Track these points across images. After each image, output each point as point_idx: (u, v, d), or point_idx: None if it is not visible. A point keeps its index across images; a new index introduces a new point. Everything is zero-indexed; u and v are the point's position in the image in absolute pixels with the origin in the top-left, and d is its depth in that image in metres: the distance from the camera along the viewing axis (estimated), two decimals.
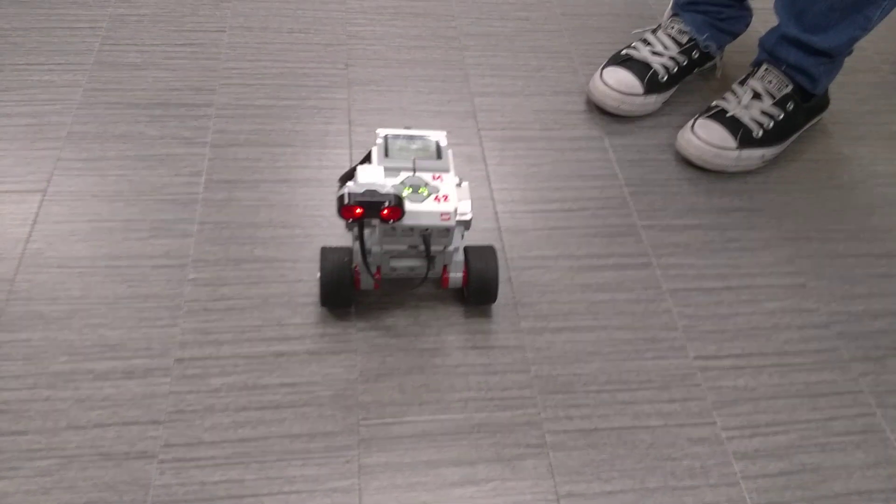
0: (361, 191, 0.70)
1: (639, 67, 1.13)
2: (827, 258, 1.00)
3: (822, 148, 1.16)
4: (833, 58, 1.06)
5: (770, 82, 1.08)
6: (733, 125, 1.06)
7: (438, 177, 0.77)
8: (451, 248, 0.81)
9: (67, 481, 0.71)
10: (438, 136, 0.81)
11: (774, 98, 1.07)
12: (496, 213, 0.99)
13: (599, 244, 0.97)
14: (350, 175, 0.81)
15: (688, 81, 1.22)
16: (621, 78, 1.13)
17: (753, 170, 1.10)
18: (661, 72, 1.13)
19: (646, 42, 1.16)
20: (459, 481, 0.74)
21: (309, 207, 0.97)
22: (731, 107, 1.07)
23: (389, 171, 0.77)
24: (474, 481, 0.74)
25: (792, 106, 1.08)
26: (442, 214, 0.75)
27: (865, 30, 1.02)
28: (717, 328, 0.90)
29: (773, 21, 1.09)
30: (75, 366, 0.79)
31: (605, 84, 1.12)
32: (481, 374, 0.83)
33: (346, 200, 0.70)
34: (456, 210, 0.75)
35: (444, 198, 0.75)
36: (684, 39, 1.15)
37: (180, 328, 0.83)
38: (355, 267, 0.83)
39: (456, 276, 0.85)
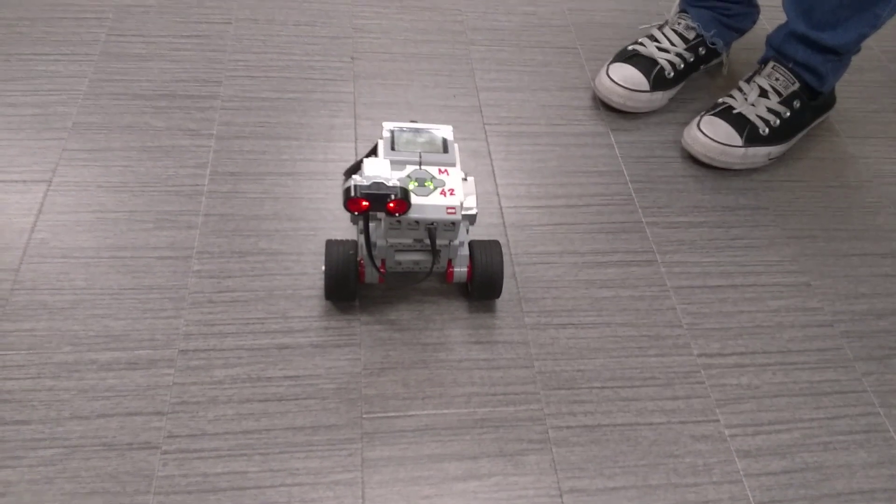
0: (368, 183, 0.70)
1: (645, 64, 1.13)
2: (832, 257, 1.00)
3: (828, 146, 1.16)
4: (841, 55, 1.06)
5: (777, 80, 1.07)
6: (740, 122, 1.06)
7: (444, 171, 0.77)
8: (456, 242, 0.80)
9: (70, 471, 0.71)
10: (445, 130, 0.81)
11: (781, 96, 1.07)
12: (501, 208, 0.99)
13: (604, 240, 0.97)
14: (355, 168, 0.81)
15: (694, 78, 1.21)
16: (628, 74, 1.12)
17: (759, 167, 1.10)
18: (668, 68, 1.13)
19: (652, 38, 1.16)
20: (462, 476, 0.74)
21: (314, 200, 0.96)
22: (738, 104, 1.07)
23: (395, 165, 0.77)
24: (477, 476, 0.74)
25: (798, 104, 1.08)
26: (448, 208, 0.74)
27: (874, 27, 1.01)
28: (720, 326, 0.90)
29: (780, 19, 1.09)
30: (79, 356, 0.79)
31: (612, 80, 1.12)
32: (485, 370, 0.83)
33: (352, 193, 0.70)
34: (462, 204, 0.75)
35: (450, 192, 0.75)
36: (691, 35, 1.15)
37: (184, 319, 0.83)
38: (360, 260, 0.83)
39: (460, 270, 0.85)
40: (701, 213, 1.02)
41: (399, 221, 0.76)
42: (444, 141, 0.80)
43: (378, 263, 0.82)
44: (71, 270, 0.86)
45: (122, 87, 1.07)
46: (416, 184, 0.75)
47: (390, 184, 0.71)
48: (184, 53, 1.14)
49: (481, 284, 0.84)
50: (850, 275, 0.98)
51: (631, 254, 0.96)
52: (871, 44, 1.36)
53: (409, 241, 0.79)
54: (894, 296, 0.96)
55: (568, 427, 0.79)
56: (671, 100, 1.18)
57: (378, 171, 0.74)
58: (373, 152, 0.80)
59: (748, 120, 1.06)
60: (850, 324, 0.93)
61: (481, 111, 1.13)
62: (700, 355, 0.87)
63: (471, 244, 0.85)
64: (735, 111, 1.06)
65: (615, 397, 0.82)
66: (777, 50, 1.09)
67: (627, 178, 1.06)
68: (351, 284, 0.82)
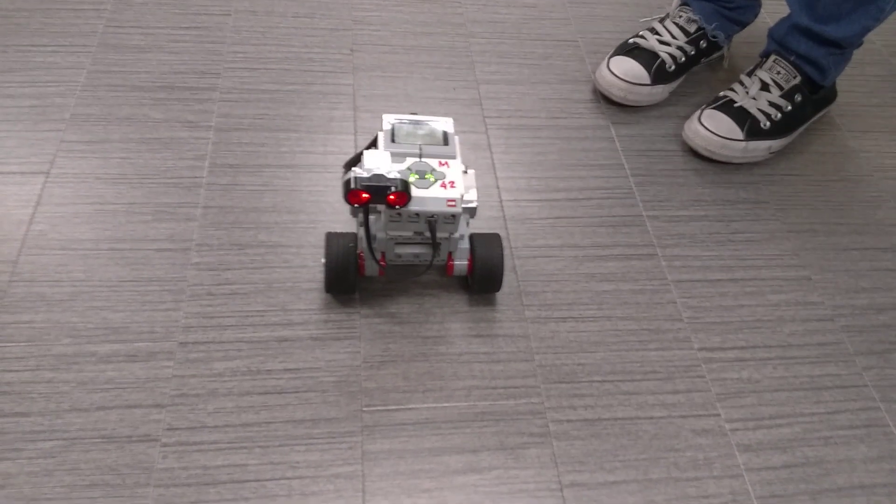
0: (368, 175, 0.70)
1: (646, 57, 1.13)
2: (832, 251, 1.00)
3: (828, 140, 1.16)
4: (844, 48, 1.06)
5: (778, 73, 1.07)
6: (741, 116, 1.05)
7: (445, 163, 0.77)
8: (456, 235, 0.80)
9: (70, 463, 0.71)
10: (445, 123, 0.81)
11: (782, 89, 1.07)
12: (501, 201, 0.99)
13: (604, 234, 0.97)
14: (355, 161, 0.81)
15: (695, 72, 1.21)
16: (628, 67, 1.12)
17: (760, 161, 1.09)
18: (669, 61, 1.13)
19: (653, 31, 1.16)
20: (462, 469, 0.74)
21: (313, 193, 0.96)
22: (739, 97, 1.07)
23: (396, 157, 0.76)
24: (477, 469, 0.74)
25: (800, 97, 1.07)
26: (448, 201, 0.74)
27: (878, 20, 1.01)
28: (721, 320, 0.90)
29: (781, 12, 1.09)
30: (78, 348, 0.79)
31: (612, 73, 1.12)
32: (485, 363, 0.82)
33: (352, 185, 0.70)
34: (462, 196, 0.75)
35: (451, 184, 0.75)
36: (692, 28, 1.15)
37: (183, 312, 0.83)
38: (360, 253, 0.82)
39: (461, 263, 0.85)
40: (701, 207, 1.02)
41: (399, 214, 0.75)
42: (445, 133, 0.79)
43: (378, 256, 0.82)
44: (69, 262, 0.85)
45: (120, 79, 1.07)
46: (417, 176, 0.75)
47: (391, 176, 0.71)
48: (182, 45, 1.14)
49: (482, 278, 0.84)
50: (850, 269, 0.98)
51: (631, 247, 0.96)
52: (873, 38, 1.36)
53: (409, 233, 0.79)
54: (895, 290, 0.96)
55: (568, 421, 0.79)
56: (672, 93, 1.17)
57: (378, 163, 0.73)
58: (373, 144, 0.80)
59: (749, 113, 1.06)
60: (850, 318, 0.93)
61: (481, 104, 1.12)
62: (700, 349, 0.87)
63: (471, 237, 0.85)
64: (736, 105, 1.06)
65: (616, 391, 0.82)
66: (779, 43, 1.09)
67: (628, 171, 1.05)
68: (351, 277, 0.82)
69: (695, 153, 1.08)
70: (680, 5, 1.17)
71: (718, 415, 0.81)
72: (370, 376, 0.80)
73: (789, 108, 1.07)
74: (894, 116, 1.22)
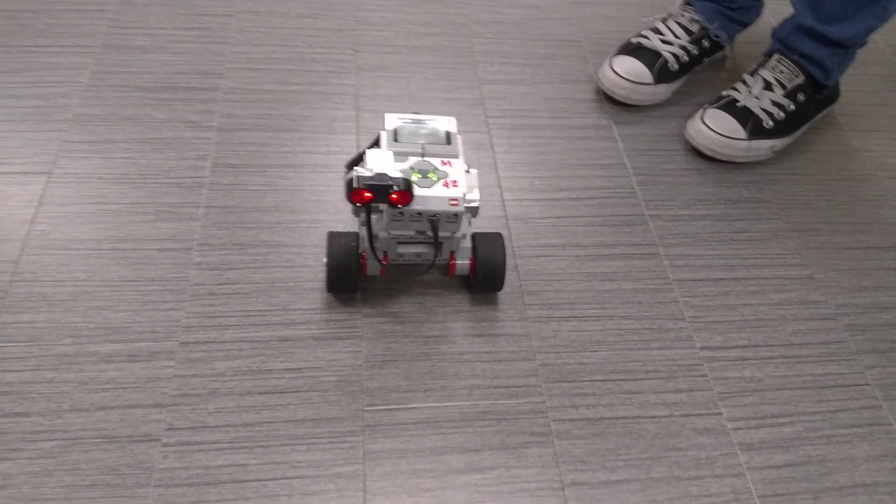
0: (371, 175, 0.70)
1: (649, 56, 1.13)
2: (835, 250, 0.99)
3: (831, 140, 1.16)
4: (847, 48, 1.06)
5: (781, 73, 1.07)
6: (743, 115, 1.05)
7: (447, 162, 0.77)
8: (458, 234, 0.80)
9: (70, 463, 0.71)
10: (448, 122, 0.81)
11: (785, 88, 1.06)
12: (503, 200, 0.99)
13: (607, 233, 0.97)
14: (357, 160, 0.81)
15: (698, 71, 1.21)
16: (631, 67, 1.12)
17: (762, 160, 1.09)
18: (672, 61, 1.13)
19: (656, 30, 1.16)
20: (464, 468, 0.74)
21: (315, 193, 0.96)
22: (742, 97, 1.07)
23: (398, 156, 0.76)
24: (479, 469, 0.74)
25: (803, 97, 1.07)
26: (451, 200, 0.74)
27: (882, 20, 1.01)
28: (723, 319, 0.90)
29: (784, 12, 1.08)
30: (79, 348, 0.79)
31: (615, 73, 1.12)
32: (487, 362, 0.82)
33: (354, 184, 0.69)
34: (464, 196, 0.75)
35: (453, 183, 0.75)
36: (695, 28, 1.15)
37: (185, 311, 0.83)
38: (362, 252, 0.82)
39: (463, 262, 0.85)
40: (704, 206, 1.02)
41: (401, 213, 0.75)
42: (447, 132, 0.79)
43: (380, 255, 0.82)
44: (71, 262, 0.86)
45: (123, 79, 1.07)
46: (419, 175, 0.75)
47: (393, 175, 0.70)
48: (186, 45, 1.14)
49: (484, 277, 0.84)
50: (853, 268, 0.98)
51: (634, 247, 0.96)
52: (877, 38, 1.35)
53: (411, 232, 0.79)
54: None
55: (570, 420, 0.79)
56: (675, 92, 1.17)
57: (381, 162, 0.73)
58: (375, 144, 0.80)
59: (752, 113, 1.05)
60: (853, 317, 0.92)
61: (484, 104, 1.12)
62: (703, 348, 0.87)
63: (473, 236, 0.85)
64: (739, 104, 1.06)
65: (618, 390, 0.82)
66: (783, 42, 1.08)
67: (630, 170, 1.05)
68: (353, 276, 0.82)
69: (697, 152, 1.08)
70: (682, 5, 1.17)
71: (720, 414, 0.81)
72: (372, 376, 0.80)
73: (792, 107, 1.07)
74: None
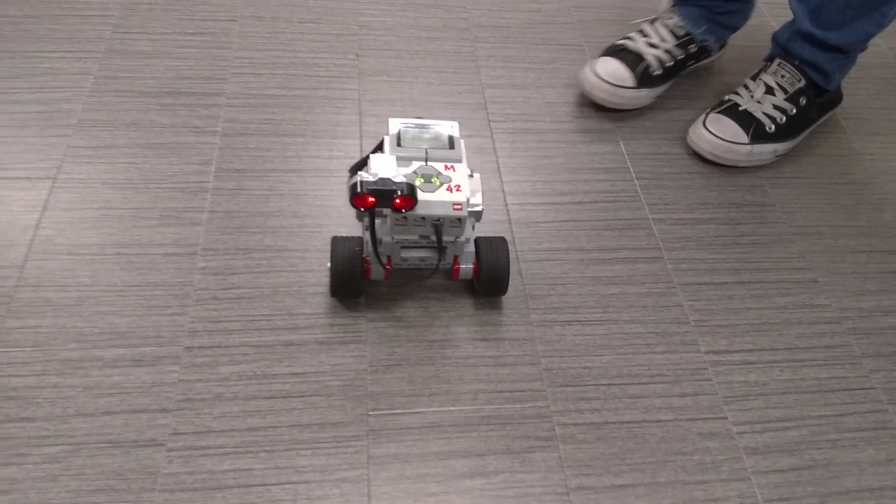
0: (374, 179, 0.70)
1: (632, 59, 1.11)
2: (839, 254, 0.99)
3: (834, 143, 1.16)
4: (847, 54, 1.05)
5: (783, 77, 1.07)
6: (745, 120, 1.05)
7: (451, 167, 0.77)
8: (462, 238, 0.80)
9: (75, 468, 0.71)
10: (451, 127, 0.81)
11: (787, 93, 1.06)
12: (506, 205, 0.99)
13: (610, 237, 0.97)
14: (361, 165, 0.81)
15: (700, 75, 1.21)
16: (613, 69, 1.11)
17: (765, 164, 1.09)
18: (655, 65, 1.12)
19: (642, 33, 1.15)
20: (469, 473, 0.74)
21: (319, 197, 0.96)
22: (744, 101, 1.07)
23: (401, 161, 0.76)
24: (484, 473, 0.74)
25: (805, 101, 1.07)
26: (454, 204, 0.74)
27: (881, 26, 1.01)
28: (728, 323, 0.90)
29: (786, 16, 1.08)
30: (84, 353, 0.79)
31: (596, 75, 1.11)
32: (491, 366, 0.82)
33: (358, 189, 0.70)
34: (468, 200, 0.75)
35: (457, 188, 0.75)
36: (681, 32, 1.14)
37: (189, 316, 0.83)
38: (366, 257, 0.82)
39: (466, 267, 0.85)
40: (707, 210, 1.02)
41: (405, 218, 0.75)
42: (451, 137, 0.79)
43: (384, 260, 0.82)
44: (76, 267, 0.86)
45: (126, 85, 1.07)
46: (423, 180, 0.75)
47: (397, 180, 0.70)
48: (189, 51, 1.14)
49: (487, 281, 0.84)
50: (857, 271, 0.98)
51: (637, 250, 0.96)
52: (879, 41, 1.35)
53: (414, 237, 0.79)
54: None
55: (575, 424, 0.79)
56: (673, 97, 1.16)
57: (384, 166, 0.73)
58: (379, 148, 0.80)
59: (754, 117, 1.05)
60: (857, 321, 0.92)
61: (486, 108, 1.12)
62: (707, 352, 0.87)
63: (477, 241, 0.85)
64: (741, 108, 1.06)
65: (622, 394, 0.82)
66: (783, 48, 1.08)
67: (633, 174, 1.05)
68: (356, 281, 0.82)
69: (700, 157, 1.08)
70: (670, 8, 1.16)
71: (726, 418, 0.81)
72: (376, 380, 0.80)
73: (794, 111, 1.07)
74: None
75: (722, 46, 1.22)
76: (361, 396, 0.78)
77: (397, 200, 0.71)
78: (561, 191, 1.01)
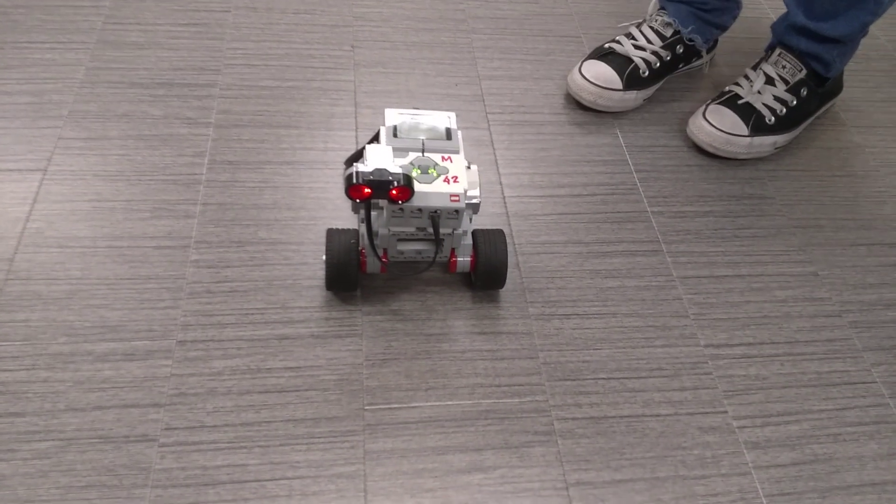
0: (370, 170, 0.69)
1: (619, 62, 1.10)
2: (839, 247, 0.99)
3: (834, 136, 1.15)
4: (845, 43, 1.04)
5: (784, 67, 1.06)
6: (746, 111, 1.04)
7: (448, 158, 0.76)
8: (459, 231, 0.79)
9: (66, 464, 0.69)
10: (448, 117, 0.80)
11: (788, 84, 1.05)
12: (504, 197, 0.98)
13: (609, 230, 0.96)
14: (356, 157, 0.80)
15: (695, 69, 1.20)
16: (600, 71, 1.10)
17: (765, 157, 1.08)
18: (643, 67, 1.10)
19: (629, 36, 1.13)
20: (466, 468, 0.73)
21: (314, 190, 0.95)
22: (744, 92, 1.06)
23: (398, 152, 0.75)
24: (481, 468, 0.73)
25: (805, 91, 1.06)
26: (452, 195, 0.73)
27: (876, 14, 0.99)
28: (728, 316, 0.89)
29: (782, 7, 1.07)
30: (74, 347, 0.77)
31: (584, 77, 1.09)
32: (489, 360, 0.81)
33: (354, 180, 0.68)
34: (466, 191, 0.74)
35: (454, 179, 0.74)
36: (668, 32, 1.12)
37: (182, 310, 0.82)
38: (362, 249, 0.81)
39: (464, 260, 0.84)
40: (706, 203, 1.01)
41: (402, 209, 0.74)
42: (448, 128, 0.78)
43: (380, 253, 0.81)
44: (66, 260, 0.84)
45: (118, 76, 1.06)
46: (420, 171, 0.74)
47: (393, 170, 0.69)
48: (181, 42, 1.13)
49: (485, 274, 0.83)
50: (857, 265, 0.97)
51: (636, 243, 0.95)
52: (878, 33, 1.35)
53: (411, 229, 0.78)
54: None
55: (574, 419, 0.78)
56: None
57: (380, 157, 0.72)
58: (375, 139, 0.79)
59: (754, 109, 1.04)
60: (858, 314, 0.91)
61: (483, 100, 1.11)
62: (707, 346, 0.86)
63: (474, 233, 0.84)
64: (741, 100, 1.05)
65: (621, 388, 0.81)
66: (780, 40, 1.07)
67: (632, 167, 1.04)
68: (352, 274, 0.81)
69: (699, 149, 1.07)
70: (657, 9, 1.14)
71: (726, 412, 0.80)
72: (372, 374, 0.79)
73: (795, 102, 1.06)
74: None
75: (711, 49, 1.20)
76: (357, 391, 0.77)
77: (394, 191, 0.69)
78: (559, 183, 1.00)
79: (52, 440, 0.71)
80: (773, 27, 1.09)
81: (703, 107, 1.07)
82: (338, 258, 0.80)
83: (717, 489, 0.74)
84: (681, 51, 1.13)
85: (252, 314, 0.82)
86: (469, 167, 0.79)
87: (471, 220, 0.84)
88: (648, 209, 0.99)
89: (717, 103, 1.06)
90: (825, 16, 1.00)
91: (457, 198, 0.73)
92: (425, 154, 0.76)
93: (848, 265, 0.97)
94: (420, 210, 0.74)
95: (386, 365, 0.80)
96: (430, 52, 1.18)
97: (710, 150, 1.06)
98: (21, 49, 1.08)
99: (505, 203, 0.97)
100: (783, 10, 1.08)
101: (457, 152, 0.77)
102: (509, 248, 0.92)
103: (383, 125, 0.78)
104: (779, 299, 0.91)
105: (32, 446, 0.70)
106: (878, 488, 0.76)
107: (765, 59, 1.08)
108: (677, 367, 0.83)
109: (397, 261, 0.83)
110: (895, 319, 0.91)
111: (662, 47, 1.11)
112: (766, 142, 1.06)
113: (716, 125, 1.04)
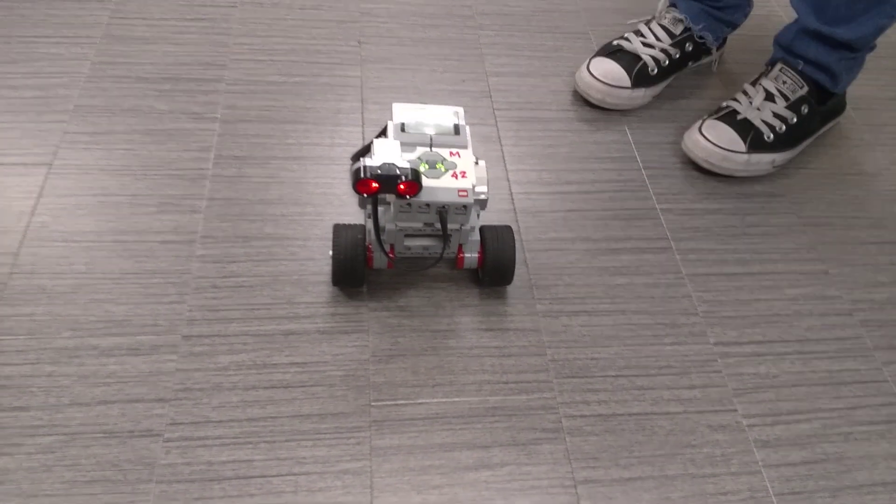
0: (378, 165, 0.68)
1: (628, 60, 1.09)
2: (849, 245, 0.98)
3: (843, 134, 1.14)
4: (856, 51, 1.01)
5: (784, 83, 1.03)
6: (744, 127, 1.02)
7: (456, 153, 0.75)
8: (467, 226, 0.78)
9: (70, 459, 0.69)
10: (456, 112, 0.79)
11: (788, 100, 1.03)
12: (511, 193, 0.97)
13: (617, 227, 0.95)
14: (364, 152, 0.79)
15: (704, 66, 1.19)
16: (608, 69, 1.09)
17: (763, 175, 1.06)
18: (651, 64, 1.09)
19: (638, 33, 1.12)
20: (473, 465, 0.72)
21: (320, 185, 0.94)
22: (743, 108, 1.03)
23: (406, 147, 0.75)
24: (489, 465, 0.72)
25: (806, 109, 1.03)
26: (460, 191, 0.73)
27: (893, 17, 0.97)
28: (737, 314, 0.88)
29: (789, 18, 1.06)
30: (79, 341, 0.77)
31: (592, 75, 1.09)
32: (496, 357, 0.81)
33: (362, 174, 0.68)
34: (474, 187, 0.73)
35: (462, 174, 0.73)
36: (678, 30, 1.11)
37: (188, 305, 0.81)
38: (368, 245, 0.80)
39: (471, 256, 0.83)
40: (716, 200, 1.00)
41: (409, 204, 0.74)
42: (456, 123, 0.78)
43: (387, 248, 0.80)
44: (71, 254, 0.84)
45: (124, 70, 1.05)
46: (427, 166, 0.73)
47: (401, 165, 0.69)
48: (188, 36, 1.12)
49: (493, 271, 0.82)
50: (868, 263, 0.96)
51: (645, 241, 0.94)
52: (889, 31, 1.33)
53: (418, 225, 0.77)
54: None
55: (582, 416, 0.77)
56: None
57: (388, 152, 0.71)
58: (382, 134, 0.78)
59: (752, 125, 1.01)
60: (869, 312, 0.91)
61: (491, 96, 1.10)
62: (716, 343, 0.85)
63: (482, 229, 0.83)
64: (739, 116, 1.02)
65: (630, 386, 0.80)
66: (787, 49, 1.04)
67: (640, 164, 1.03)
68: (359, 270, 0.80)
69: (695, 165, 1.05)
70: (668, 6, 1.13)
71: (735, 410, 0.79)
72: (378, 370, 0.78)
73: (795, 119, 1.03)
74: None
75: (720, 46, 1.19)
76: (364, 387, 0.77)
77: (401, 186, 0.69)
78: (567, 180, 1.00)
79: (57, 435, 0.70)
80: (778, 38, 1.06)
81: (700, 121, 1.04)
82: (344, 254, 0.79)
83: (726, 488, 0.74)
84: (690, 48, 1.12)
85: (258, 309, 0.82)
86: (477, 163, 0.79)
87: (478, 216, 0.83)
88: (657, 206, 0.98)
89: (715, 118, 1.03)
90: (839, 19, 0.98)
91: (465, 193, 0.73)
92: (433, 149, 0.75)
93: (859, 263, 0.96)
94: (428, 205, 0.74)
95: (392, 361, 0.79)
96: (438, 48, 1.17)
97: (706, 166, 1.03)
98: (27, 43, 1.07)
99: (513, 199, 0.96)
100: (788, 20, 1.06)
101: (465, 147, 0.76)
102: (517, 245, 0.91)
103: (391, 120, 0.77)
104: (789, 297, 0.91)
105: (37, 441, 0.70)
106: (890, 487, 0.75)
107: (765, 73, 1.06)
108: (686, 364, 0.83)
109: (404, 257, 0.83)
110: None
111: (672, 45, 1.11)
112: (765, 159, 1.03)
113: (712, 140, 1.01)
